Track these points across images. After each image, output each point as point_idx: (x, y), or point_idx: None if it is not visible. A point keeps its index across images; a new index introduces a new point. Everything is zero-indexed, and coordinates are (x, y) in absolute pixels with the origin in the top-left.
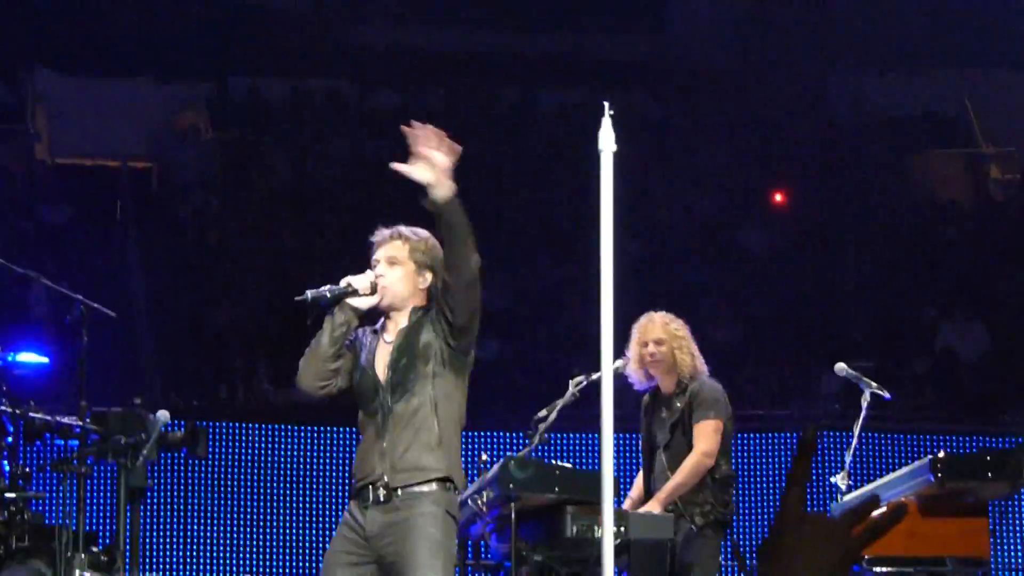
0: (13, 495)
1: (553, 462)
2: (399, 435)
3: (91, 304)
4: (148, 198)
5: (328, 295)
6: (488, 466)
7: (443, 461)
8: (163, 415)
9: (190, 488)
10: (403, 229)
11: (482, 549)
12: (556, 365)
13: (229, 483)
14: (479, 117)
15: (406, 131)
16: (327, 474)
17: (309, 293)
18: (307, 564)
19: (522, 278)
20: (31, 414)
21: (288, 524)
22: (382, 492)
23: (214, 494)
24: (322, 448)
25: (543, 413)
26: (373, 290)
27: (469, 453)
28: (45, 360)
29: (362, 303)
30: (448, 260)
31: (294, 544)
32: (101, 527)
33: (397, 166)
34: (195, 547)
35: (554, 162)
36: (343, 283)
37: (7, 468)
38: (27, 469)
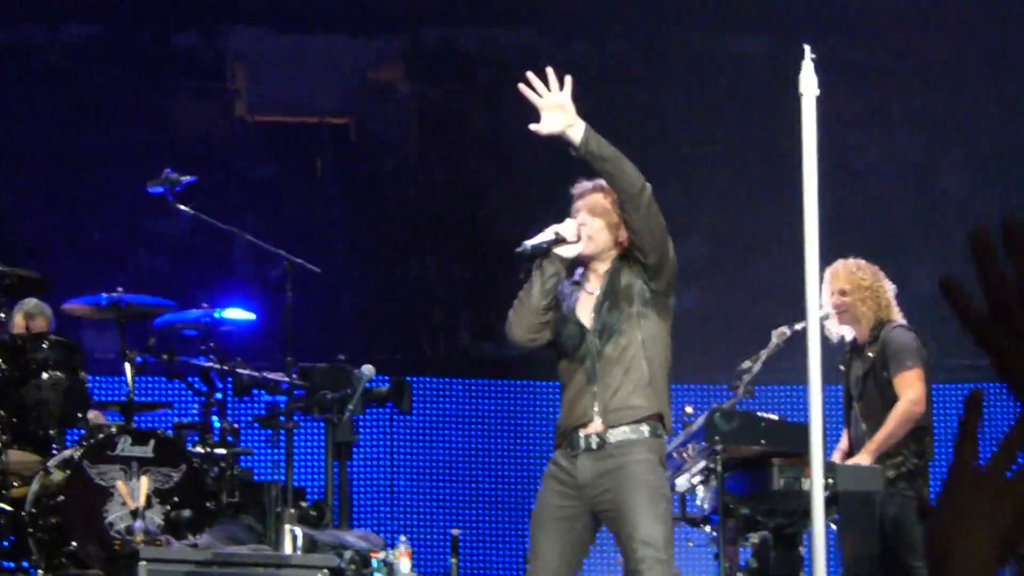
0: (223, 451)
1: (759, 414)
2: (610, 376)
3: (295, 260)
4: (347, 153)
5: (542, 244)
6: (692, 418)
7: (654, 400)
8: (368, 370)
9: (395, 443)
10: (604, 181)
11: (688, 501)
12: (757, 315)
13: (433, 438)
14: (672, 65)
15: (523, 89)
16: (530, 428)
17: (528, 244)
18: (512, 518)
19: (720, 226)
20: (239, 370)
21: (493, 479)
22: (595, 439)
23: (419, 449)
24: (525, 402)
25: (747, 364)
26: (578, 238)
27: (673, 406)
28: (252, 316)
29: (569, 251)
30: (620, 197)
31: (499, 498)
32: (309, 482)
33: (533, 127)
34: (401, 502)
35: (750, 108)
36: (549, 232)
37: (216, 424)
38: (236, 425)
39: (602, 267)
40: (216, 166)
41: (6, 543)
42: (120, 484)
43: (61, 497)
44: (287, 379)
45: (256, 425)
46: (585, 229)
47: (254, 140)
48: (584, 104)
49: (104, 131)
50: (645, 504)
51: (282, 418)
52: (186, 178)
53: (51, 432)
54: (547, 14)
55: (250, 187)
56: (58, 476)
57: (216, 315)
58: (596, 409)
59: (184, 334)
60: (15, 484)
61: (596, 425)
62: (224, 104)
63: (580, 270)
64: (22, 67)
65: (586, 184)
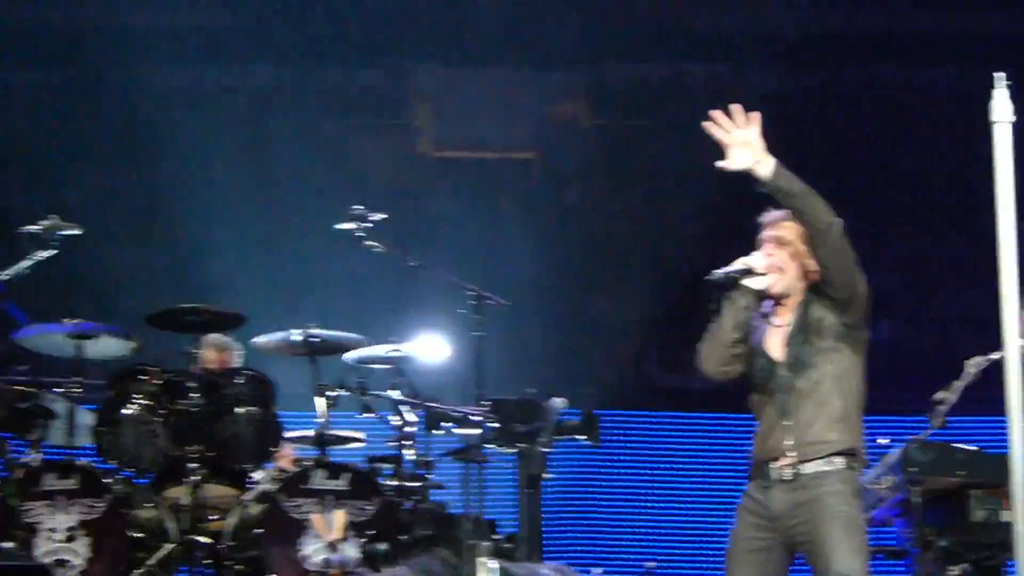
0: (417, 484)
1: (956, 445)
2: (802, 411)
3: (483, 294)
4: (531, 188)
5: (732, 275)
6: (888, 450)
7: (847, 433)
8: (559, 402)
9: (586, 475)
10: None
11: (885, 534)
12: (947, 345)
13: (623, 470)
14: (858, 97)
15: (708, 127)
16: (719, 460)
17: (717, 273)
18: (705, 550)
19: (910, 257)
20: (430, 404)
21: (684, 510)
22: (787, 471)
23: (609, 481)
24: (714, 434)
25: (941, 395)
26: (768, 270)
27: (866, 437)
28: (443, 351)
29: (759, 283)
30: (808, 232)
31: (691, 531)
32: (501, 515)
33: (720, 164)
34: (594, 534)
35: (938, 138)
36: (738, 264)
37: (409, 458)
38: (429, 458)
39: (791, 300)
40: (401, 203)
41: (206, 575)
42: (315, 517)
43: (258, 530)
44: (478, 413)
45: (448, 458)
46: (773, 261)
47: (438, 176)
48: (772, 137)
49: (292, 170)
50: (841, 536)
51: (475, 451)
52: (375, 215)
53: (246, 466)
54: (733, 46)
55: (435, 223)
56: (254, 510)
57: (406, 350)
58: (789, 443)
59: (374, 369)
60: (213, 517)
61: (789, 458)
62: (408, 141)
63: (769, 303)
64: (208, 108)
65: (774, 213)
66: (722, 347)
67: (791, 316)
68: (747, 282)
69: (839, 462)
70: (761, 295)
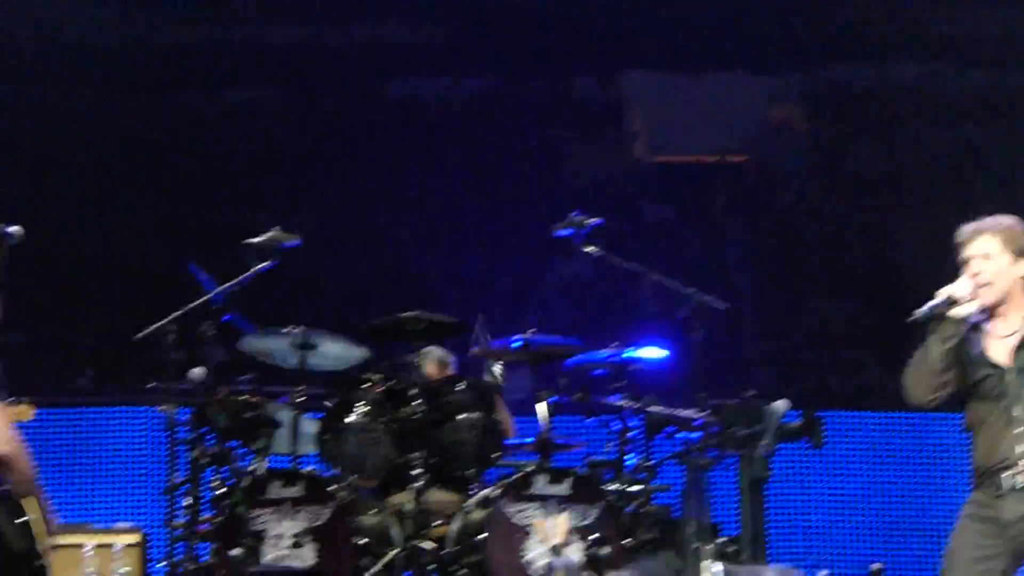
0: (638, 488)
1: None
2: None
3: (702, 297)
4: (745, 192)
5: (936, 310)
6: None
7: None
8: (781, 405)
9: (809, 478)
10: (986, 222)
11: None
12: None
13: (846, 472)
14: None
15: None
16: (942, 462)
17: (918, 313)
18: (930, 552)
19: None
20: (651, 408)
21: (908, 513)
22: (1021, 478)
23: (833, 483)
24: (936, 436)
25: None
26: (974, 294)
27: None
28: (663, 354)
29: (965, 310)
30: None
31: (916, 533)
32: (724, 518)
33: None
34: (817, 537)
35: None
36: (942, 295)
37: (631, 462)
38: (651, 462)
39: (1010, 307)
40: (616, 208)
41: None
42: (538, 522)
43: (481, 535)
44: (700, 416)
45: (671, 462)
46: (980, 279)
47: (653, 181)
48: (982, 136)
49: (507, 178)
50: None
51: (697, 455)
52: (592, 220)
53: (469, 472)
54: (943, 46)
55: (650, 228)
56: (477, 515)
57: (626, 354)
58: (1021, 450)
59: (595, 374)
60: (436, 523)
61: (1022, 466)
62: (622, 146)
63: (982, 315)
64: (425, 120)
65: (967, 229)
66: (930, 375)
67: (1017, 322)
68: (953, 312)
69: None
70: (967, 322)
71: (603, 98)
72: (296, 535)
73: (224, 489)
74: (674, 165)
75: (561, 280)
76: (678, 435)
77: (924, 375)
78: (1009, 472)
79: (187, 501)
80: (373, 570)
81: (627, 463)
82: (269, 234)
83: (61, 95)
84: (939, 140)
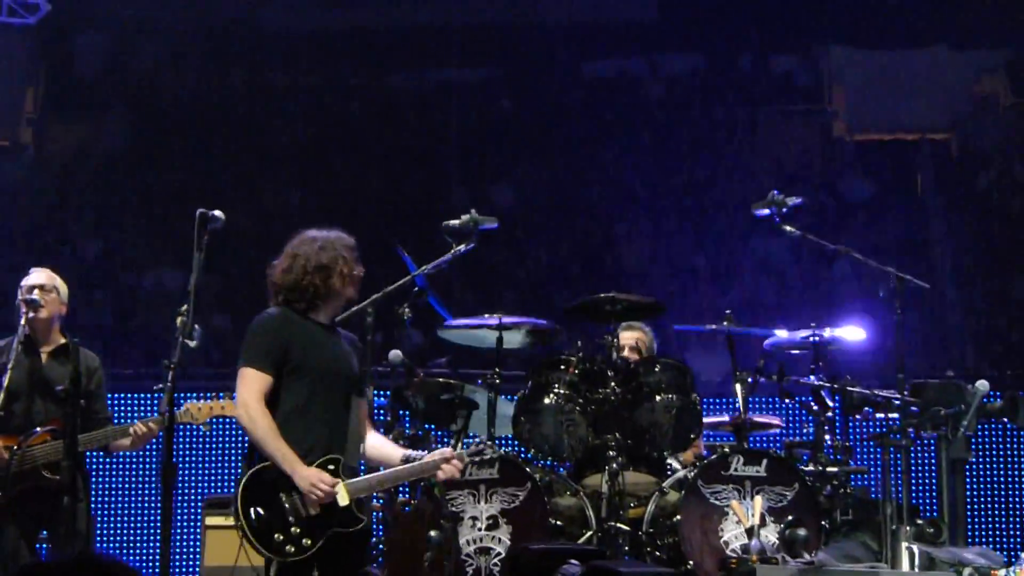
0: (836, 469)
1: None
2: None
3: (903, 276)
4: (949, 169)
5: None
6: None
7: None
8: (983, 385)
9: (1010, 458)
10: None
11: None
12: None
13: None
14: None
15: None
16: None
17: None
18: None
19: None
20: (849, 388)
21: None
22: None
23: None
24: None
25: None
26: None
27: None
28: (862, 335)
29: None
30: None
31: None
32: (923, 499)
33: None
34: (1019, 518)
35: None
36: None
37: (829, 443)
38: (848, 443)
39: None
40: (816, 187)
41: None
42: (734, 503)
43: (677, 517)
44: (899, 396)
45: (870, 443)
46: None
47: (853, 159)
48: None
49: (707, 157)
50: None
51: (896, 435)
52: (792, 200)
53: (665, 453)
54: None
55: (850, 206)
56: (673, 496)
57: (825, 334)
58: None
59: (793, 354)
60: (632, 504)
61: None
62: (823, 125)
63: None
64: (627, 99)
65: None
66: None
67: None
68: None
69: None
70: None
71: (804, 76)
72: (491, 517)
73: None
74: (875, 143)
75: (760, 260)
76: (877, 416)
77: None
78: None
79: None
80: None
81: (825, 444)
82: (466, 216)
83: (264, 80)
84: None
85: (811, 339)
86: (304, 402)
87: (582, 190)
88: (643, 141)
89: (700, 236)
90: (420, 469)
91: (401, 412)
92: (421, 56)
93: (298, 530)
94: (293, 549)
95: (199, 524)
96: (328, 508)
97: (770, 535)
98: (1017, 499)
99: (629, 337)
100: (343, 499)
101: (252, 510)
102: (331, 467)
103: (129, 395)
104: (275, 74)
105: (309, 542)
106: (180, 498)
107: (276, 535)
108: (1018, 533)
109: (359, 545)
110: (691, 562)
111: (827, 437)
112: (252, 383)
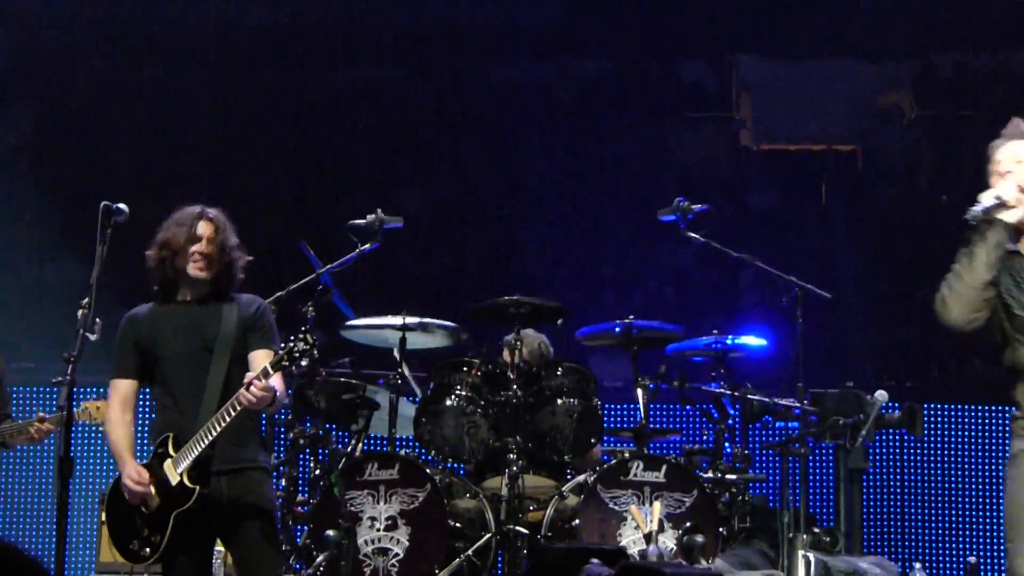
0: (734, 476)
1: None
2: None
3: (805, 286)
4: (853, 180)
5: (988, 209)
6: None
7: None
8: (881, 395)
9: (907, 469)
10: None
11: None
12: None
13: (946, 464)
14: None
15: None
16: None
17: (974, 211)
18: None
19: None
20: (750, 396)
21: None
22: None
23: (931, 475)
24: None
25: None
26: (1017, 201)
27: None
28: (763, 343)
29: (1011, 216)
30: None
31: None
32: (821, 508)
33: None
34: (914, 529)
35: None
36: (989, 197)
37: (728, 449)
38: (747, 451)
39: None
40: (722, 195)
41: (524, 565)
42: (633, 508)
43: (576, 521)
44: (799, 405)
45: (768, 451)
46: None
47: (760, 169)
48: None
49: (614, 163)
50: None
51: (795, 444)
52: (698, 206)
53: (565, 458)
54: None
55: (755, 215)
56: (572, 500)
57: (728, 342)
58: None
59: (694, 361)
60: (532, 508)
61: None
62: (730, 133)
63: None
64: (533, 103)
65: (1010, 134)
66: (972, 290)
67: None
68: (1004, 215)
69: None
70: (1010, 229)
71: (712, 84)
72: (390, 517)
73: (321, 471)
74: (781, 152)
75: (664, 266)
76: (777, 424)
77: (966, 289)
78: None
79: (284, 482)
80: (467, 554)
81: (724, 452)
82: (371, 216)
83: (172, 75)
84: None
85: (713, 346)
86: (162, 389)
87: (489, 194)
88: (551, 146)
89: (606, 242)
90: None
91: (302, 411)
92: (331, 56)
93: (147, 530)
94: (148, 551)
95: (96, 520)
96: (165, 493)
97: (668, 541)
98: (913, 510)
99: (531, 341)
100: (172, 476)
101: (113, 522)
102: (161, 450)
103: (30, 388)
104: (184, 69)
105: (158, 538)
106: (76, 493)
107: (132, 542)
108: (913, 543)
109: (211, 514)
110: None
111: (727, 445)
112: (112, 392)
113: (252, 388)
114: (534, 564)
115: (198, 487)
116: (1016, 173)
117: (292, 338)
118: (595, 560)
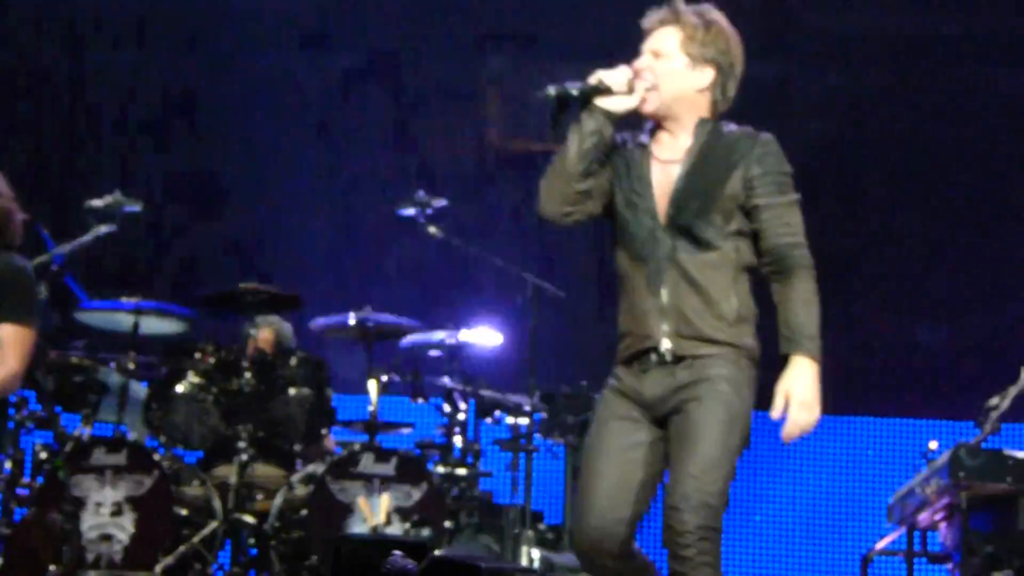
0: (463, 471)
1: (1007, 451)
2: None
3: (541, 284)
4: None
5: (573, 92)
6: (936, 454)
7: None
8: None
9: None
10: (681, 7)
11: (930, 538)
12: (1006, 352)
13: None
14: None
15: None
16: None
17: (552, 88)
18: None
19: (967, 258)
20: (482, 392)
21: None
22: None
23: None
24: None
25: (995, 401)
26: (631, 89)
27: (917, 442)
28: (498, 339)
29: (616, 105)
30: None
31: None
32: (548, 505)
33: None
34: (641, 524)
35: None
36: (592, 79)
37: (459, 445)
38: (478, 446)
39: (679, 131)
40: (465, 192)
41: (251, 554)
42: (361, 500)
43: (304, 512)
44: (529, 402)
45: (498, 447)
46: (646, 77)
47: (503, 167)
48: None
49: (360, 155)
50: None
51: (523, 441)
52: (438, 201)
53: (296, 448)
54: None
55: (495, 213)
56: (301, 491)
57: (462, 337)
58: (666, 329)
59: (429, 355)
60: (259, 497)
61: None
62: (476, 130)
63: (648, 127)
64: (286, 93)
65: (655, 15)
66: (565, 182)
67: (680, 149)
68: (602, 102)
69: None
70: (619, 119)
71: (460, 79)
72: (116, 503)
73: (46, 454)
74: (525, 152)
75: (402, 260)
76: (507, 421)
77: (558, 181)
78: (654, 354)
79: (7, 463)
80: (193, 542)
81: (455, 446)
82: (110, 197)
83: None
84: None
85: (447, 340)
86: None
87: (234, 180)
88: (300, 134)
89: (347, 234)
90: None
91: (29, 392)
92: (80, 36)
93: None
94: None
95: None
96: None
97: (395, 534)
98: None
99: (268, 329)
100: None
101: None
102: None
103: None
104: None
105: None
106: None
107: None
108: (639, 541)
109: None
110: (314, 557)
111: (458, 439)
112: None
113: None
114: (334, 554)
115: None
116: (643, 63)
117: None
118: (397, 552)
